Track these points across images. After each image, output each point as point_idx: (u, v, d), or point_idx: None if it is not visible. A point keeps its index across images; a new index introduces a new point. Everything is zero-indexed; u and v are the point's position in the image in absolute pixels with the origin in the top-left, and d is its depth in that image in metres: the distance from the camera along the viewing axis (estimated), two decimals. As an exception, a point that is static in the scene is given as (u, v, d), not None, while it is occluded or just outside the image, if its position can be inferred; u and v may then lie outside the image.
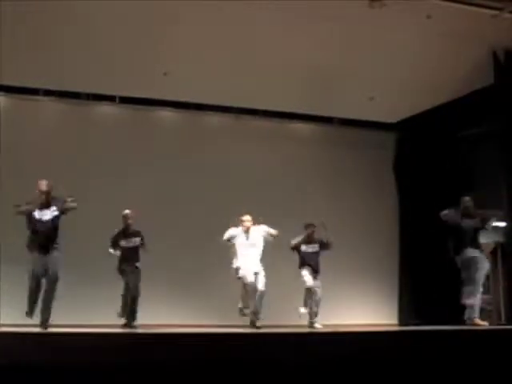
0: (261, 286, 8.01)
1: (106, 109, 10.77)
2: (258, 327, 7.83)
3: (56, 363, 3.92)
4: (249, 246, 8.22)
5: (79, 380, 3.90)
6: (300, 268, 8.86)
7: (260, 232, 8.30)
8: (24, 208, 6.86)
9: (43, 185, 6.85)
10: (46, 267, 6.69)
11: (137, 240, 8.29)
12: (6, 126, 9.41)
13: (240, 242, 8.27)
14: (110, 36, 8.47)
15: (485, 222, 7.89)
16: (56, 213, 6.80)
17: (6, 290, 8.73)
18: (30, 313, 6.80)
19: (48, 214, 6.81)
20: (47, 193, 6.83)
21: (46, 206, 6.81)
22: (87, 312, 8.77)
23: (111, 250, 8.25)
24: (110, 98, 10.68)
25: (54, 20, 8.02)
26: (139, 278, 8.16)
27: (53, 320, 6.77)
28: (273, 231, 8.28)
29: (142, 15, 7.99)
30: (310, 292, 8.76)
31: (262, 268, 8.15)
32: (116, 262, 8.26)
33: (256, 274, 8.05)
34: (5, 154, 9.13)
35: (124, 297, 8.13)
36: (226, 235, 8.33)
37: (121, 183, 10.03)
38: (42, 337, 4.81)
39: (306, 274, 8.77)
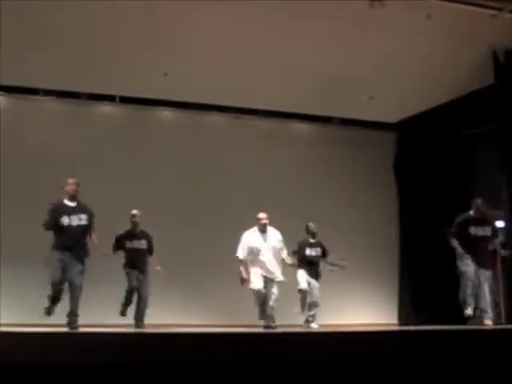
0: (272, 300, 7.61)
1: (106, 109, 10.78)
2: (273, 327, 7.53)
3: (56, 363, 3.92)
4: (266, 249, 7.70)
5: (79, 380, 3.90)
6: (297, 269, 8.89)
7: (276, 238, 7.84)
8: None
9: (73, 185, 6.76)
10: (69, 275, 6.62)
11: (143, 243, 8.15)
12: (5, 125, 9.42)
13: (255, 245, 7.70)
14: (110, 36, 8.47)
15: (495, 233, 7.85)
16: (85, 222, 6.72)
17: (6, 290, 8.72)
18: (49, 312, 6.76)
19: (77, 220, 6.67)
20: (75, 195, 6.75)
21: (74, 210, 6.70)
22: (87, 312, 8.76)
23: (110, 252, 7.93)
24: (109, 98, 10.69)
25: (54, 20, 8.02)
26: (150, 288, 8.09)
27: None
28: (286, 258, 7.86)
29: (142, 15, 7.99)
30: (304, 294, 8.76)
31: (279, 275, 7.70)
32: (117, 262, 8.25)
33: (270, 281, 7.65)
34: (5, 154, 9.13)
35: (127, 298, 8.06)
36: (244, 246, 7.71)
37: (121, 183, 10.03)
38: (43, 337, 4.81)
39: (300, 275, 8.78)
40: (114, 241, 8.09)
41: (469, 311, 7.56)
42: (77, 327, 6.55)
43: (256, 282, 7.58)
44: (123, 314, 8.05)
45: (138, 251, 8.10)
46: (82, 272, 6.66)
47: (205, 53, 8.89)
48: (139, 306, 8.03)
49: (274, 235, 7.87)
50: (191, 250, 10.13)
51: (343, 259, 8.75)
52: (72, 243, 6.60)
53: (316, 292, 8.80)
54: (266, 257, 7.69)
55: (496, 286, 10.87)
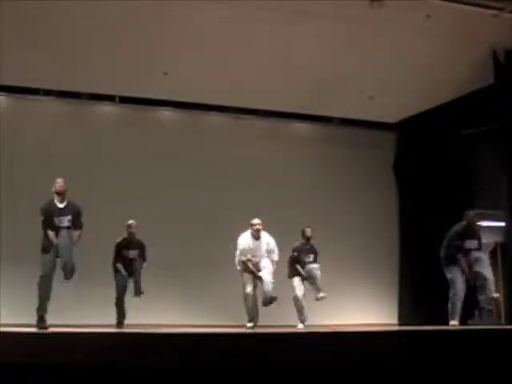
0: (266, 287, 7.79)
1: (106, 109, 10.77)
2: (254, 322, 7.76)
3: (56, 363, 3.92)
4: (258, 256, 8.01)
5: (79, 380, 3.90)
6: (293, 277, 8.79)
7: (268, 244, 8.13)
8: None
9: (60, 185, 6.89)
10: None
11: (137, 252, 8.33)
12: (5, 126, 9.41)
13: (248, 252, 8.05)
14: (110, 36, 8.47)
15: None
16: (69, 224, 6.83)
17: (6, 290, 8.71)
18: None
19: (65, 222, 6.82)
20: (63, 193, 6.87)
21: (63, 211, 6.83)
22: (86, 312, 8.77)
23: (118, 265, 8.21)
24: (110, 98, 10.68)
25: (53, 20, 8.01)
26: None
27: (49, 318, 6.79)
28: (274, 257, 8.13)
29: (142, 15, 7.99)
30: (297, 302, 8.68)
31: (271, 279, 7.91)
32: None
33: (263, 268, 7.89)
34: (5, 154, 9.12)
35: (119, 311, 8.13)
36: (240, 247, 8.08)
37: (121, 183, 10.03)
38: (42, 337, 4.81)
39: (295, 282, 8.71)
40: (114, 250, 8.30)
41: (455, 322, 7.70)
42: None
43: (248, 287, 7.93)
44: (120, 325, 8.12)
45: (132, 261, 8.29)
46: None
47: (205, 53, 8.89)
48: (135, 277, 8.18)
49: (267, 241, 8.13)
50: (191, 250, 10.12)
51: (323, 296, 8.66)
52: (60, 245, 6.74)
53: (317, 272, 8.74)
54: (259, 263, 7.96)
55: (496, 286, 10.88)
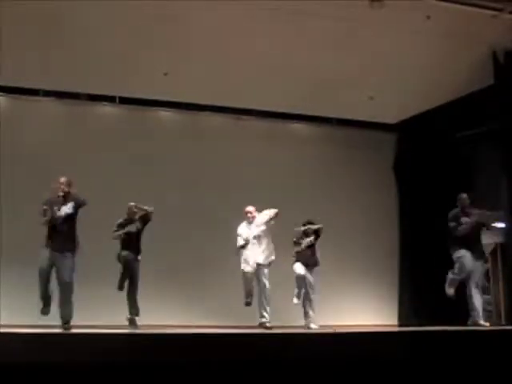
0: (262, 280, 7.94)
1: (106, 109, 10.77)
2: (268, 327, 7.72)
3: (56, 363, 3.92)
4: (254, 239, 8.12)
5: (79, 380, 3.91)
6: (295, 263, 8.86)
7: (262, 219, 8.19)
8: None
9: (61, 189, 6.89)
10: (55, 267, 6.69)
11: (136, 225, 8.31)
12: (5, 125, 9.41)
13: (246, 236, 8.16)
14: (110, 36, 8.47)
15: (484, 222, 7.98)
16: (70, 210, 6.77)
17: (6, 291, 8.72)
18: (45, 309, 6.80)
19: (63, 211, 6.78)
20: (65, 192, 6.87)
21: (63, 203, 6.81)
22: (86, 312, 8.76)
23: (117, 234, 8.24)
24: (109, 98, 10.68)
25: (53, 20, 8.02)
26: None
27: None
28: (271, 212, 8.17)
29: (141, 15, 7.99)
30: (300, 281, 8.70)
31: (267, 260, 8.04)
32: (114, 262, 8.28)
33: (259, 265, 7.97)
34: (5, 154, 9.12)
35: (123, 269, 8.12)
36: (240, 241, 8.17)
37: (121, 183, 10.03)
38: (42, 337, 4.81)
39: (296, 265, 8.75)
40: (116, 228, 8.30)
41: (452, 291, 7.79)
42: (67, 327, 6.61)
43: (245, 266, 8.04)
44: (121, 288, 8.10)
45: (131, 235, 8.25)
46: (72, 268, 6.73)
47: (205, 53, 8.89)
48: (130, 289, 8.11)
49: (258, 220, 8.20)
50: (191, 250, 10.12)
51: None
52: (58, 236, 6.73)
53: (311, 284, 8.76)
54: (253, 247, 8.07)
55: (496, 286, 10.90)
